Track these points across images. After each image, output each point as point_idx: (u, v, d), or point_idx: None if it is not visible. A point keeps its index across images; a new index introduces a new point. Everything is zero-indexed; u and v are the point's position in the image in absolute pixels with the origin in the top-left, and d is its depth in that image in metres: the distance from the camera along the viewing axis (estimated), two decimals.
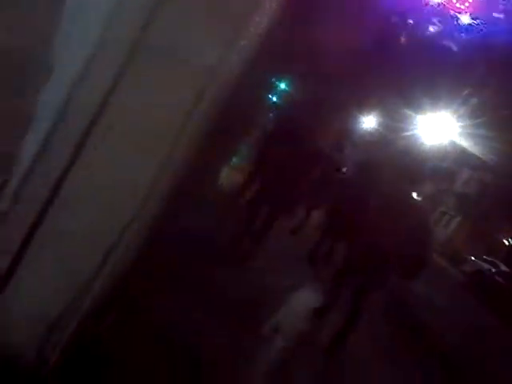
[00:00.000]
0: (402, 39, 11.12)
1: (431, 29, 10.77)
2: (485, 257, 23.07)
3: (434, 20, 9.87)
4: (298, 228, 9.05)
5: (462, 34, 9.93)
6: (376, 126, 20.52)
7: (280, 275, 6.17)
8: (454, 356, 7.56)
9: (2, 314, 1.76)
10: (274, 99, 14.29)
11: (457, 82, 14.49)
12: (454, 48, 12.04)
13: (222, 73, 1.59)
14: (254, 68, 2.23)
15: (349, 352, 5.16)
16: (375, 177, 8.41)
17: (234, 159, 10.40)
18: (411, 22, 10.26)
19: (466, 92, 16.25)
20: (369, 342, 6.04)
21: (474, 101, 17.01)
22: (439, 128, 17.80)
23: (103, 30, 1.49)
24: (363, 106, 18.84)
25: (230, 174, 9.19)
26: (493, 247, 27.47)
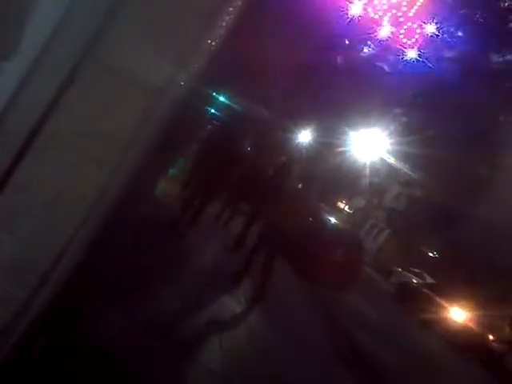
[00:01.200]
0: (339, 59, 11.51)
1: (366, 50, 11.24)
2: (411, 268, 24.04)
3: (369, 42, 10.30)
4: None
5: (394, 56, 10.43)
6: (311, 142, 20.98)
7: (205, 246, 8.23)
8: (385, 372, 7.74)
9: None
10: (213, 111, 14.29)
11: (389, 102, 15.17)
12: (387, 70, 12.62)
13: (171, 94, 1.56)
14: (199, 85, 2.21)
15: (287, 369, 5.21)
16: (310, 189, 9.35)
17: (171, 170, 10.29)
18: (348, 42, 10.65)
19: (397, 111, 17.03)
20: (307, 358, 6.09)
21: (404, 120, 17.85)
22: (371, 145, 18.50)
23: (51, 37, 1.43)
24: (299, 121, 19.25)
25: (166, 185, 9.14)
26: (419, 259, 28.70)
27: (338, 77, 11.77)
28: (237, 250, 8.62)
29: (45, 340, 2.42)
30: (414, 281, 21.34)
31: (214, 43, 1.70)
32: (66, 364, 2.77)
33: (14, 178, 1.56)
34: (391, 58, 11.01)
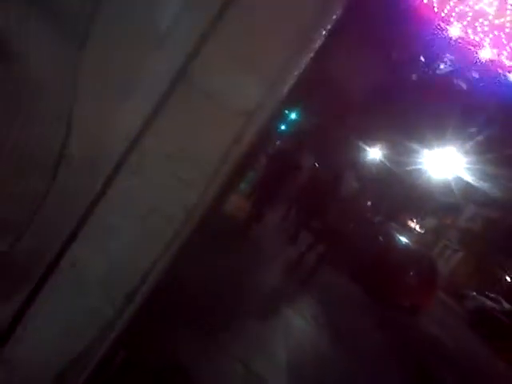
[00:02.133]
0: (414, 76, 11.23)
1: (442, 66, 10.88)
2: (487, 293, 22.81)
3: (446, 58, 9.96)
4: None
5: (476, 72, 9.99)
6: (383, 160, 20.57)
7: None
8: None
9: (5, 367, 1.68)
10: (283, 127, 14.40)
11: (464, 119, 14.60)
12: (464, 85, 12.15)
13: (260, 117, 1.55)
14: (283, 106, 2.20)
15: None
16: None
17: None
18: (423, 59, 10.36)
19: (473, 128, 16.35)
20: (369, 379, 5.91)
21: (481, 137, 17.09)
22: (446, 163, 17.82)
23: (144, 60, 1.47)
24: (370, 139, 18.94)
25: (235, 200, 9.28)
26: (495, 283, 27.25)
27: (415, 93, 11.50)
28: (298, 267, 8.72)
29: (125, 353, 2.48)
30: (491, 306, 20.20)
31: (302, 66, 1.69)
32: (143, 377, 2.82)
33: (106, 197, 1.61)
34: (470, 76, 10.57)
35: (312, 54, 1.71)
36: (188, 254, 2.70)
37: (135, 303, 1.74)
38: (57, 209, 1.62)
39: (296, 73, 1.65)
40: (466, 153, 16.80)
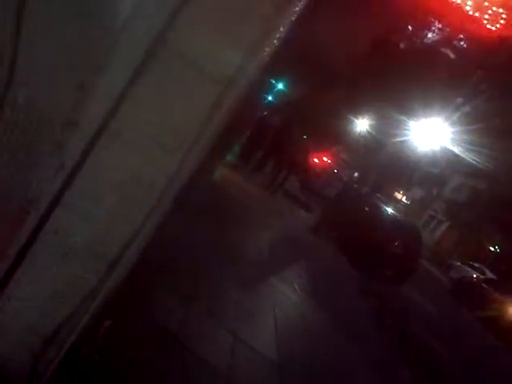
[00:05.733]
0: (401, 45, 11.15)
1: (430, 35, 10.82)
2: (471, 263, 23.17)
3: (434, 26, 9.89)
4: None
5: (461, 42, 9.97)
6: (369, 130, 20.57)
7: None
8: (441, 364, 7.59)
9: None
10: (270, 98, 14.30)
11: (451, 89, 14.58)
12: (451, 54, 12.11)
13: (241, 82, 1.53)
14: (264, 73, 2.17)
15: (339, 358, 5.18)
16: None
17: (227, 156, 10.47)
18: (410, 28, 10.29)
19: (459, 99, 16.36)
20: (359, 348, 6.03)
21: (467, 108, 17.12)
22: (432, 134, 17.85)
23: (123, 25, 1.44)
24: (357, 109, 18.88)
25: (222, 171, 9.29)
26: (480, 253, 27.71)
27: (402, 63, 11.43)
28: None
29: (110, 322, 2.49)
30: (475, 276, 20.57)
31: (284, 32, 1.66)
32: (131, 345, 2.84)
33: (87, 163, 1.59)
34: (457, 44, 10.52)
35: (292, 19, 1.68)
36: (172, 221, 2.70)
37: (118, 271, 1.75)
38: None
39: (276, 37, 1.62)
40: (452, 123, 16.84)
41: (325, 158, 19.83)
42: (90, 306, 1.75)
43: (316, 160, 19.14)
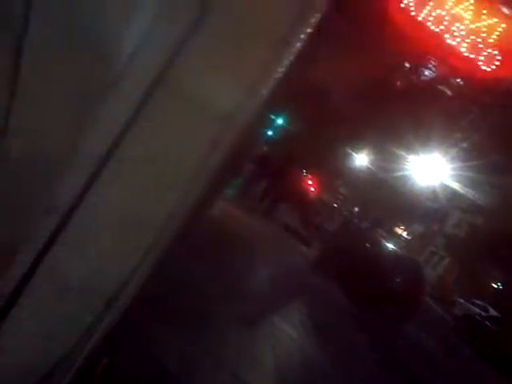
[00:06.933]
0: (398, 83, 11.31)
1: (427, 72, 10.97)
2: (474, 300, 22.93)
3: (430, 63, 10.04)
4: None
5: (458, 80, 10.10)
6: (369, 165, 20.65)
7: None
8: None
9: None
10: (270, 133, 14.43)
11: (449, 125, 14.73)
12: (448, 91, 12.26)
13: (240, 120, 1.54)
14: (264, 109, 2.19)
15: None
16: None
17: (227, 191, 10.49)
18: (408, 65, 10.46)
19: (458, 135, 16.50)
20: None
21: (466, 144, 17.26)
22: (431, 169, 17.92)
23: (124, 65, 1.45)
24: (356, 144, 19.04)
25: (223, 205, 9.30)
26: (482, 290, 27.41)
27: (400, 99, 11.57)
28: None
29: (107, 360, 2.44)
30: (477, 313, 20.31)
31: (283, 70, 1.68)
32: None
33: (84, 201, 1.58)
34: (454, 81, 10.68)
35: (292, 57, 1.71)
36: (172, 260, 2.68)
37: (115, 310, 1.72)
38: None
39: (277, 75, 1.64)
40: (451, 159, 16.93)
41: (323, 193, 19.94)
42: (87, 345, 1.71)
43: (315, 194, 19.21)
